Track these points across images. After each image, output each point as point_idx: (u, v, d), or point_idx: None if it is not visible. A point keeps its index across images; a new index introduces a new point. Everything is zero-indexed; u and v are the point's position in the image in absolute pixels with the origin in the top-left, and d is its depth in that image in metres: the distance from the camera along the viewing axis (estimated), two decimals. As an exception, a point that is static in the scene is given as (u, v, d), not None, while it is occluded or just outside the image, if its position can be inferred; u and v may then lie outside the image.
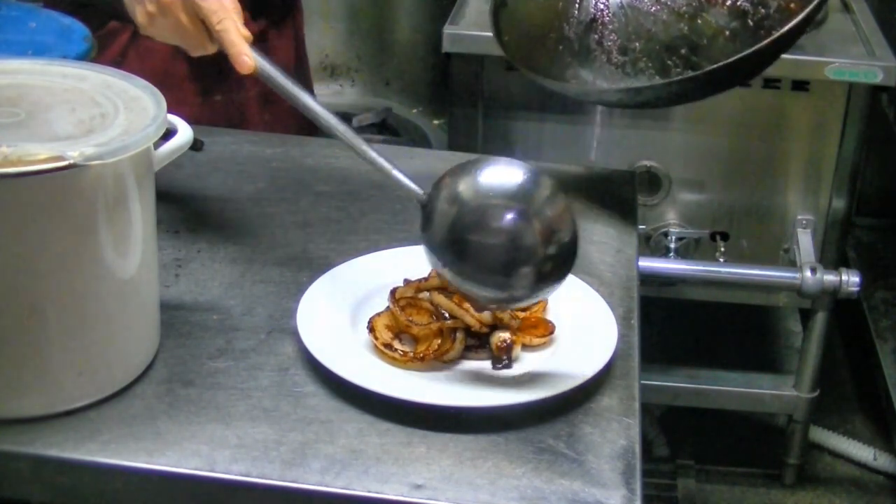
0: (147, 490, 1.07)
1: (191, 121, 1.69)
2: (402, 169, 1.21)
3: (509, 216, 1.15)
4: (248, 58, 1.24)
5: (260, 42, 1.75)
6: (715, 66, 1.34)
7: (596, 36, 1.54)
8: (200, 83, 1.73)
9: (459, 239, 1.15)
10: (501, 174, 1.17)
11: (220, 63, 1.71)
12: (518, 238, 1.14)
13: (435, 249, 1.16)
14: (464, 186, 1.16)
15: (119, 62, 1.69)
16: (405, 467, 1.06)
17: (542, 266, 1.14)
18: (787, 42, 1.36)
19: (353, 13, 3.19)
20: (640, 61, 1.52)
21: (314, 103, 1.25)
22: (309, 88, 1.96)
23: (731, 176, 2.25)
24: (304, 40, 1.92)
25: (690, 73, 1.41)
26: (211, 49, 1.33)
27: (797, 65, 2.13)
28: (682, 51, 1.51)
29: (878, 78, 2.09)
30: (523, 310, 1.25)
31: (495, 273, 1.14)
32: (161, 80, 1.49)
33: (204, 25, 1.30)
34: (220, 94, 1.72)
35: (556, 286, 1.15)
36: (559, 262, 1.15)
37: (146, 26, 1.34)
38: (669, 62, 1.50)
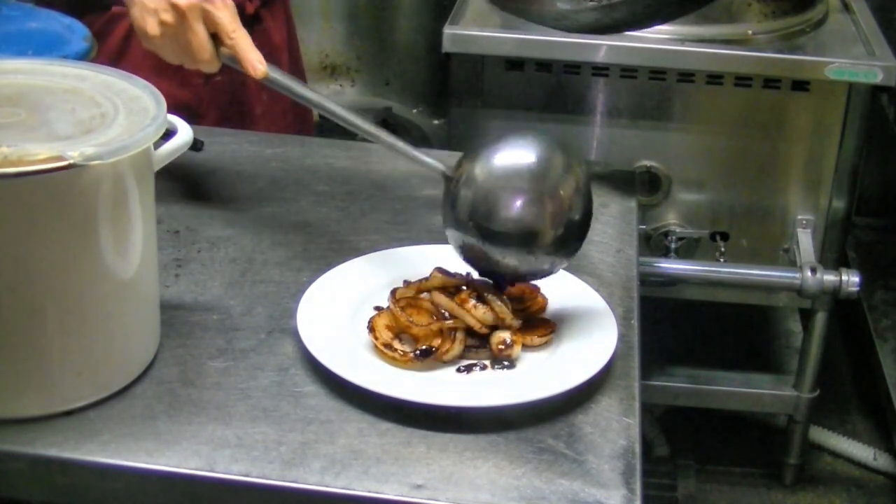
0: (147, 490, 1.07)
1: (194, 102, 1.71)
2: (420, 149, 1.30)
3: (518, 203, 1.21)
4: (261, 65, 1.31)
5: (254, 22, 1.78)
6: None
7: None
8: None
9: (477, 224, 1.22)
10: (515, 156, 1.23)
11: None
12: (528, 224, 1.21)
13: (458, 228, 1.23)
14: (479, 169, 1.23)
15: (123, 46, 1.70)
16: (405, 467, 1.06)
17: (553, 246, 1.22)
18: None
19: (353, 13, 3.19)
20: None
21: (328, 102, 1.32)
22: (300, 65, 1.98)
23: (731, 176, 2.25)
24: (293, 19, 1.96)
25: None
26: (215, 65, 1.34)
27: (797, 65, 2.13)
28: None
29: (878, 78, 2.09)
30: (523, 309, 1.26)
31: (511, 251, 1.21)
32: (164, 62, 1.50)
33: (212, 39, 1.31)
34: (221, 75, 1.74)
35: (572, 255, 1.24)
36: (572, 237, 1.23)
37: (157, 37, 1.33)
38: None
